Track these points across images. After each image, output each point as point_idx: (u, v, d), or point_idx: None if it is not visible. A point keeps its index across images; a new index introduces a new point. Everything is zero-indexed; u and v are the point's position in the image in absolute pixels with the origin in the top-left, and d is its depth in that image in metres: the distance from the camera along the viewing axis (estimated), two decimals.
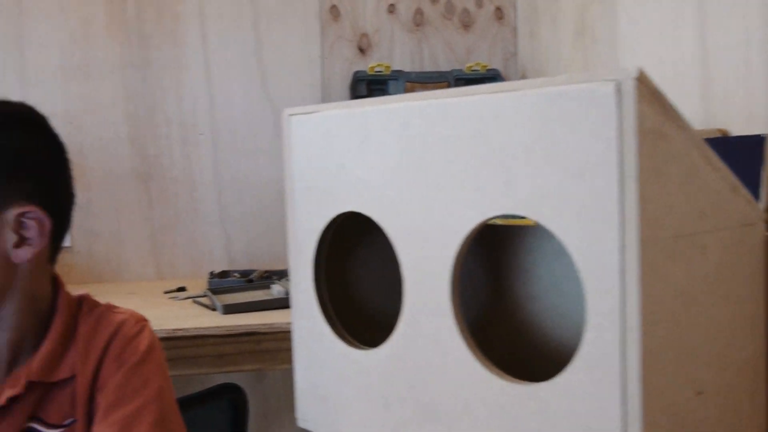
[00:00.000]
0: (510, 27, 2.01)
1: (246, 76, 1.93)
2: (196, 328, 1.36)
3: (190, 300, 1.63)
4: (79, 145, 1.87)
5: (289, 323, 1.40)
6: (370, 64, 1.88)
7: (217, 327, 1.37)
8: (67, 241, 0.92)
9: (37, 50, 1.86)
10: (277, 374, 1.97)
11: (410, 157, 0.67)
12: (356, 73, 1.88)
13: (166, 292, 1.73)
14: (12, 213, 0.84)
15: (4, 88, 1.84)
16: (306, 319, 0.79)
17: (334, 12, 1.95)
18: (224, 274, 1.84)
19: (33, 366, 0.87)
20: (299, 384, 0.83)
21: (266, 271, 1.84)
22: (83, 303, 0.95)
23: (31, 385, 0.86)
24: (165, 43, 1.90)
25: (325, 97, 1.94)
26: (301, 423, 0.82)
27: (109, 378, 0.89)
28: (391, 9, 1.97)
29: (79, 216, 1.81)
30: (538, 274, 0.83)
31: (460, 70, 1.90)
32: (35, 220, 0.86)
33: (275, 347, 1.38)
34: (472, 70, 1.89)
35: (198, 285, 1.80)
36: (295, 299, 0.81)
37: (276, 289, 1.59)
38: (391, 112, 0.69)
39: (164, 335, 1.35)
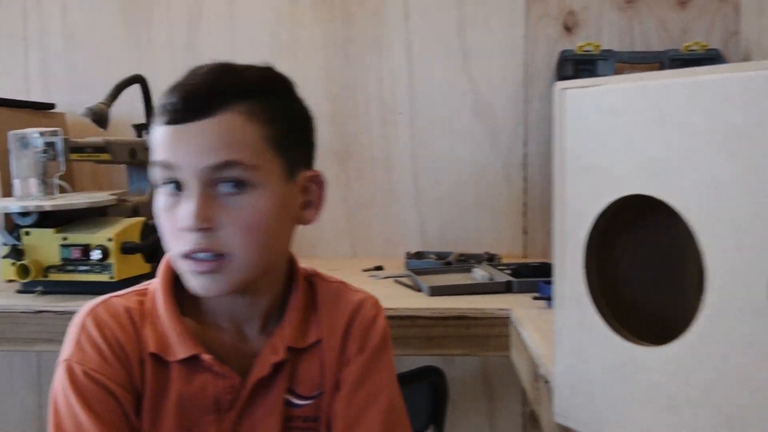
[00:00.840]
0: (731, 4, 1.84)
1: (447, 55, 1.89)
2: (406, 309, 1.35)
3: (391, 279, 1.62)
4: None
5: (499, 309, 1.37)
6: (577, 44, 1.78)
7: (428, 309, 1.35)
8: None
9: (247, 28, 1.91)
10: (465, 360, 1.94)
11: (726, 136, 0.60)
12: (563, 52, 1.79)
13: (364, 271, 1.74)
14: (303, 176, 0.88)
15: None
16: (573, 309, 0.74)
17: None
18: (420, 255, 1.82)
19: (286, 331, 0.88)
20: (559, 378, 0.78)
21: (461, 254, 1.81)
22: (314, 274, 0.96)
23: (289, 351, 0.87)
24: (368, 21, 1.90)
25: (527, 78, 1.87)
26: (560, 419, 0.77)
27: (353, 356, 0.89)
28: None
29: None
30: None
31: (677, 51, 1.77)
32: (316, 183, 0.90)
33: (485, 333, 1.34)
34: (690, 50, 1.76)
35: (392, 264, 1.79)
36: (561, 287, 0.76)
37: (479, 274, 1.55)
38: (700, 86, 0.62)
39: None
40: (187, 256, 0.80)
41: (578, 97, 0.73)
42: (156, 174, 0.82)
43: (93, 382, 0.81)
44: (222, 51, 1.91)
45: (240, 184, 0.80)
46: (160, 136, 0.81)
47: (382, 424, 0.87)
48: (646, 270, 0.78)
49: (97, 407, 0.80)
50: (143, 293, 0.90)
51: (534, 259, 1.85)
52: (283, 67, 1.90)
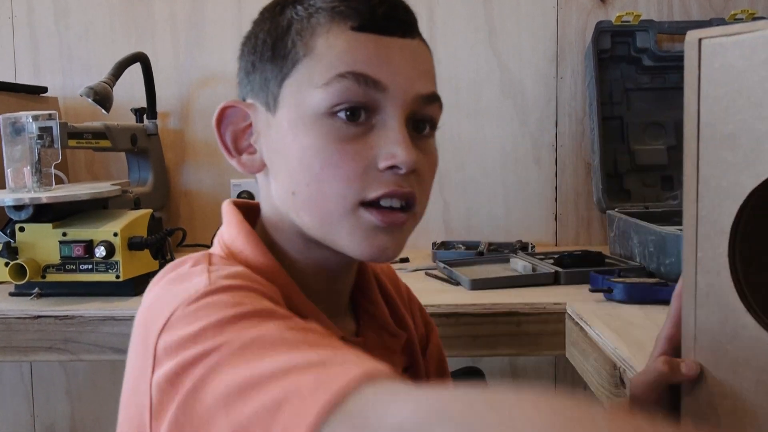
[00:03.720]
0: None
1: (472, 30, 1.75)
2: (449, 305, 1.21)
3: (422, 272, 1.49)
4: None
5: (553, 304, 1.23)
6: (616, 14, 1.65)
7: (473, 305, 1.21)
8: None
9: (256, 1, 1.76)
10: (494, 361, 1.81)
11: None
12: (599, 23, 1.66)
13: (390, 263, 1.60)
14: None
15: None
16: (713, 308, 0.61)
17: None
18: (446, 245, 1.69)
19: (382, 306, 0.76)
20: (693, 392, 0.64)
21: (491, 243, 1.67)
22: None
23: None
24: None
25: (560, 52, 1.74)
26: None
27: (412, 308, 0.89)
28: None
29: None
30: None
31: (722, 20, 1.65)
32: None
33: (537, 330, 1.21)
34: (736, 19, 1.63)
35: (416, 256, 1.66)
36: (693, 279, 0.62)
37: (520, 264, 1.41)
38: None
39: None
40: (374, 202, 0.61)
41: (723, 47, 0.59)
42: (333, 92, 0.61)
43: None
44: (229, 27, 1.76)
45: (433, 126, 0.67)
46: (357, 45, 0.61)
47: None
48: None
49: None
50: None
51: (566, 247, 1.72)
52: None
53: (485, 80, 1.76)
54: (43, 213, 1.26)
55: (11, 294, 1.30)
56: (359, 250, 0.63)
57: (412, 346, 0.80)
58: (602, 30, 1.66)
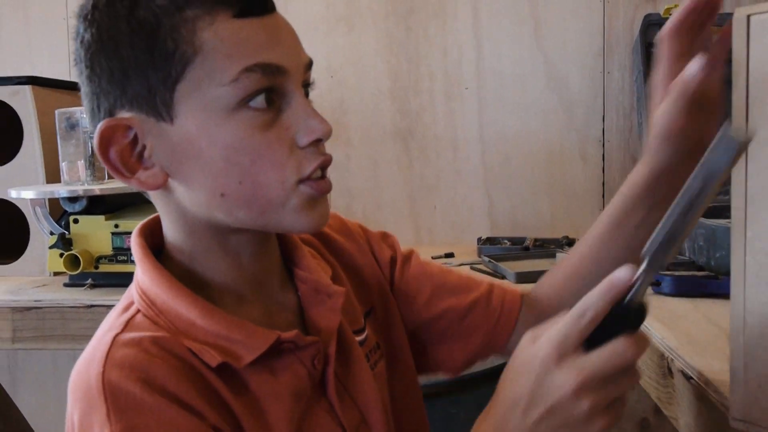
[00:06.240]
0: None
1: (517, 24, 1.75)
2: None
3: (467, 267, 1.49)
4: (339, 100, 1.79)
5: None
6: (664, 6, 1.63)
7: None
8: None
9: (301, 1, 1.78)
10: None
11: None
12: (647, 16, 1.64)
13: (434, 258, 1.60)
14: None
15: None
16: (765, 288, 0.60)
17: None
18: (492, 240, 1.69)
19: (314, 263, 0.74)
20: (742, 375, 0.63)
21: (537, 239, 1.66)
22: None
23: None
24: None
25: (607, 46, 1.72)
26: (741, 425, 0.63)
27: (366, 250, 0.87)
28: None
29: (337, 174, 1.75)
30: None
31: None
32: None
33: None
34: None
35: (461, 251, 1.66)
36: (749, 261, 0.61)
37: None
38: None
39: None
40: (309, 177, 0.62)
41: None
42: (243, 87, 0.59)
43: None
44: None
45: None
46: (249, 33, 0.60)
47: (440, 269, 0.87)
48: None
49: None
50: (132, 314, 0.65)
51: None
52: (339, 41, 1.78)
53: (530, 75, 1.75)
54: (96, 205, 1.30)
55: (65, 284, 1.34)
56: (305, 225, 0.64)
57: (368, 290, 0.81)
58: (650, 23, 1.64)
